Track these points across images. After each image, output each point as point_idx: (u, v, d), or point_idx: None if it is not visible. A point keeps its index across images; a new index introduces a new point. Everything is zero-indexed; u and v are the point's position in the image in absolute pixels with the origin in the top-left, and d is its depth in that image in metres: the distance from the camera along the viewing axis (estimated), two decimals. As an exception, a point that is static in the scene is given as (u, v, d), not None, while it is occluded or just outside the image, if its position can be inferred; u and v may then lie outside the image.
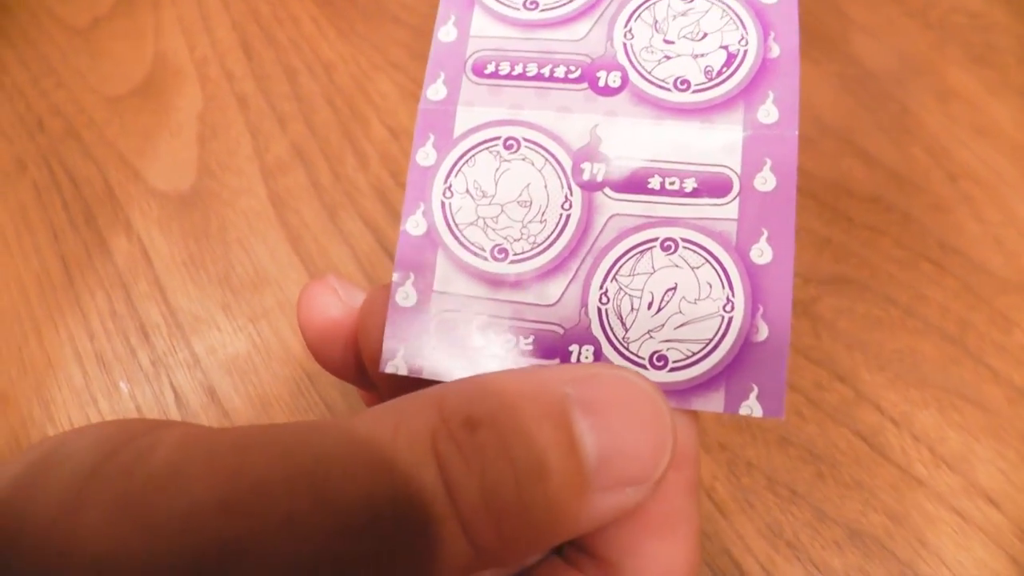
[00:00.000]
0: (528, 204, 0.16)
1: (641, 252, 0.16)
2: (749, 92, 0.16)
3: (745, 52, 0.16)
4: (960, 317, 0.29)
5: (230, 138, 0.34)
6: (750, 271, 0.15)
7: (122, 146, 0.34)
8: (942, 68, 0.36)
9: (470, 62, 0.17)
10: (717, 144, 0.16)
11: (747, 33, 0.16)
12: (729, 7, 0.17)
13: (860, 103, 0.34)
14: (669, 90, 0.16)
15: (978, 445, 0.26)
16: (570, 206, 0.16)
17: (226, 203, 0.32)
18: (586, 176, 0.16)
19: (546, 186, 0.16)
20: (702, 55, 0.16)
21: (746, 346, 0.15)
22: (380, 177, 0.33)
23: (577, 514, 0.12)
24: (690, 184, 0.16)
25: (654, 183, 0.16)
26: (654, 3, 0.17)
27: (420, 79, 0.36)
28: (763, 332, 0.15)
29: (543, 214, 0.16)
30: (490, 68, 0.17)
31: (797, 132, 0.16)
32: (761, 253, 0.16)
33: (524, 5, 0.17)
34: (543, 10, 0.17)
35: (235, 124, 0.35)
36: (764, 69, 0.16)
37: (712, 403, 0.15)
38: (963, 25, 0.37)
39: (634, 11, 0.17)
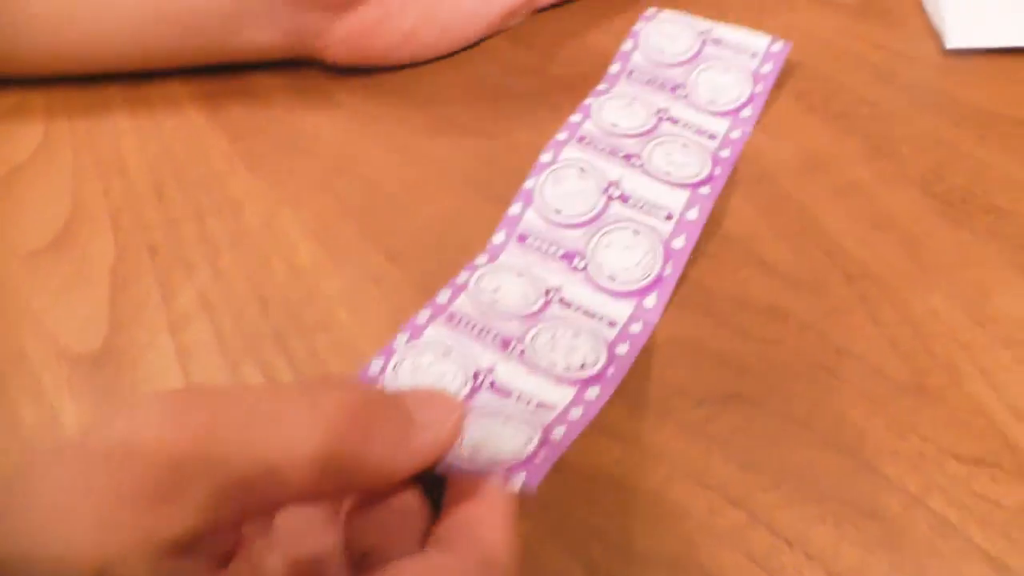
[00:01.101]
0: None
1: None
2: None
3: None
4: (857, 426, 0.33)
5: (140, 290, 0.40)
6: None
7: (36, 305, 0.40)
8: (841, 162, 0.40)
9: None
10: None
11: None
12: (598, 347, 0.35)
13: (759, 208, 0.39)
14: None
15: (873, 558, 0.30)
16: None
17: (134, 361, 0.37)
18: None
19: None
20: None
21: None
22: (280, 323, 0.38)
23: None
24: None
25: None
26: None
27: (326, 214, 0.42)
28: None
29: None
30: None
31: None
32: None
33: None
34: None
35: (145, 275, 0.40)
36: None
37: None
38: (863, 116, 0.42)
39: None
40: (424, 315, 0.35)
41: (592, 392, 0.33)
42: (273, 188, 0.43)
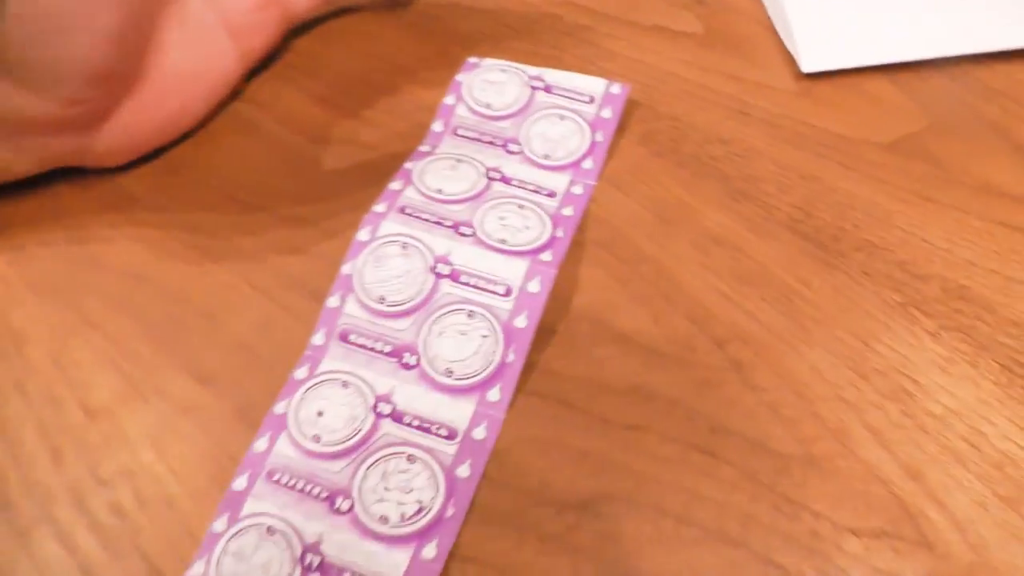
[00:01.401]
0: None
1: None
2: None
3: (431, 508, 0.35)
4: (741, 512, 0.34)
5: None
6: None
7: None
8: (699, 211, 0.43)
9: None
10: None
11: (437, 495, 0.36)
12: (435, 476, 0.36)
13: (611, 272, 0.41)
14: (375, 522, 0.35)
15: (773, 672, 0.31)
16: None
17: None
18: None
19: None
20: (404, 504, 0.35)
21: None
22: (76, 477, 0.36)
23: None
24: None
25: None
26: (386, 459, 0.36)
27: (124, 337, 0.41)
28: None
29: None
30: None
31: None
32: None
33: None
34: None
35: None
36: (439, 521, 0.35)
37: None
38: (718, 156, 0.45)
39: (374, 462, 0.36)
40: (241, 481, 0.35)
41: (428, 551, 0.34)
42: (60, 313, 0.42)
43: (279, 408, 0.37)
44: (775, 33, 0.52)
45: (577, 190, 0.43)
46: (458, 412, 0.36)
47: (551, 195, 0.43)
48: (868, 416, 0.36)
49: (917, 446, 0.36)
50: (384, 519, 0.34)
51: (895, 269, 0.41)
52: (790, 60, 0.50)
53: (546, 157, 0.44)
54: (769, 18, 0.53)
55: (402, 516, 0.34)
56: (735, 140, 0.46)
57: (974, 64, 0.50)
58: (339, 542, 0.34)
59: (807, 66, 0.48)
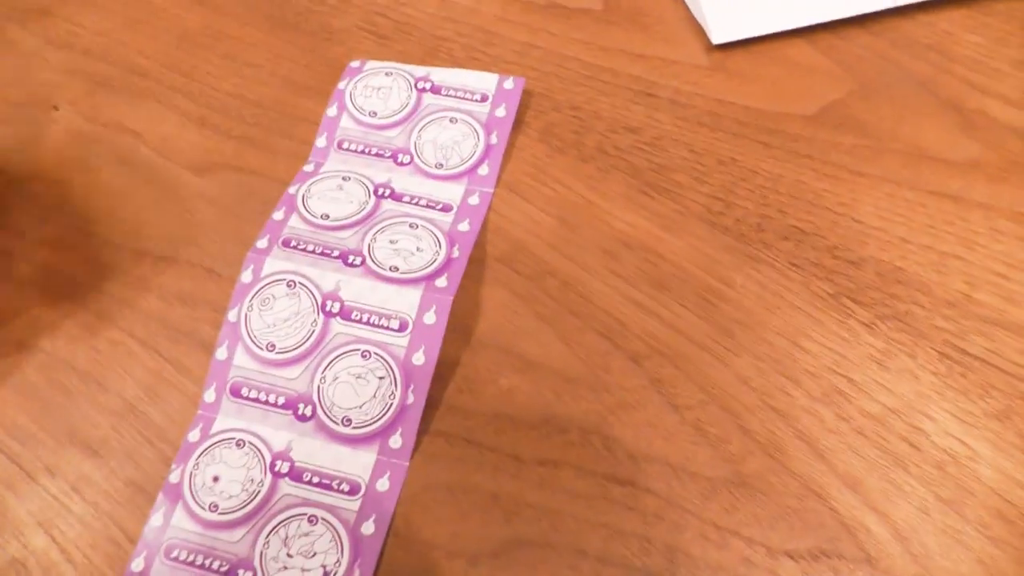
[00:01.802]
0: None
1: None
2: None
3: (336, 572, 0.35)
4: (666, 545, 0.34)
5: None
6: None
7: None
8: (607, 211, 0.42)
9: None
10: None
11: (342, 558, 0.35)
12: (338, 537, 0.36)
13: (514, 290, 0.40)
14: None
15: None
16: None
17: None
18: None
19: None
20: (308, 570, 0.35)
21: None
22: None
23: None
24: None
25: None
26: (287, 523, 0.36)
27: (2, 410, 0.40)
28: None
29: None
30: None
31: None
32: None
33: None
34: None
35: None
36: None
37: None
38: (625, 147, 0.44)
39: (274, 528, 0.36)
40: (138, 563, 0.36)
41: None
42: None
43: (173, 477, 0.36)
44: (681, 3, 0.50)
45: (474, 200, 0.42)
46: (359, 464, 0.35)
47: (446, 209, 0.42)
48: (801, 424, 0.36)
49: (855, 452, 0.35)
50: None
51: (825, 256, 0.40)
52: (700, 32, 0.49)
53: (439, 166, 0.43)
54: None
55: None
56: (643, 127, 0.45)
57: (897, 18, 0.49)
58: None
59: (718, 37, 0.47)
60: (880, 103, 0.45)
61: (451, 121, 0.44)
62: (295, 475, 0.36)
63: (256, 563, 0.34)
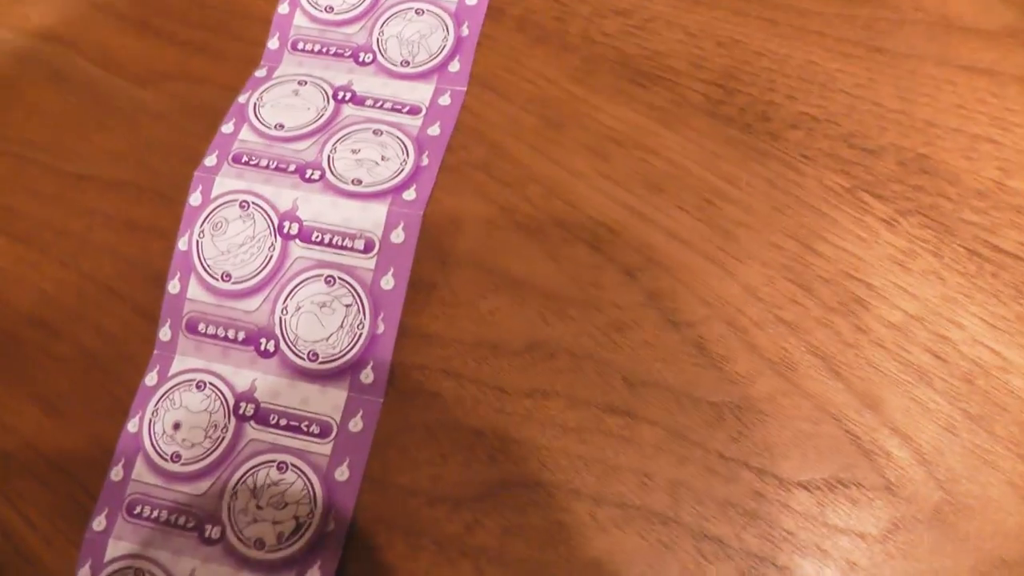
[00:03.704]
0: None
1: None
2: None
3: (310, 523, 0.32)
4: (668, 480, 0.31)
5: None
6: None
7: None
8: (590, 103, 0.38)
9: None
10: None
11: (315, 508, 0.32)
12: (310, 485, 0.33)
13: (492, 198, 0.37)
14: (250, 548, 0.33)
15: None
16: None
17: None
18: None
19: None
20: (280, 522, 0.32)
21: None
22: None
23: None
24: None
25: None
26: (254, 471, 0.34)
27: None
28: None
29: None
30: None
31: None
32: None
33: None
34: None
35: None
36: (321, 538, 0.32)
37: None
38: (611, 32, 0.40)
39: (241, 478, 0.33)
40: (99, 521, 0.34)
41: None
42: None
43: (131, 426, 0.34)
44: None
45: (444, 100, 0.38)
46: (329, 403, 0.33)
47: (414, 111, 0.38)
48: (814, 338, 0.33)
49: (874, 367, 0.32)
50: (260, 543, 0.32)
51: (841, 146, 0.36)
52: None
53: (404, 64, 0.39)
54: None
55: (279, 537, 0.31)
56: (633, 9, 0.40)
57: None
58: None
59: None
60: (900, -34, 0.40)
61: (417, 13, 0.40)
62: (261, 418, 0.33)
63: (224, 517, 0.32)
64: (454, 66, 0.39)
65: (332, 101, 0.38)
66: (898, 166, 0.36)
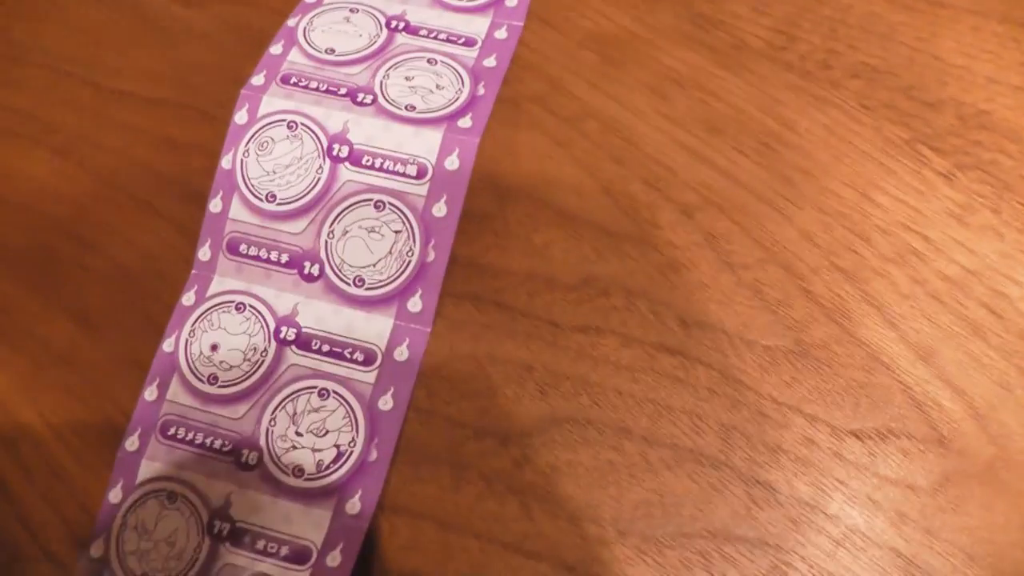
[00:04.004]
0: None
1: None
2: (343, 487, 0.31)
3: (351, 452, 0.32)
4: (720, 423, 0.31)
5: None
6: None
7: None
8: (655, 43, 0.37)
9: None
10: None
11: (357, 436, 0.32)
12: (352, 413, 0.32)
13: (549, 134, 0.36)
14: (288, 475, 0.32)
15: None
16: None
17: None
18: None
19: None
20: (320, 450, 0.31)
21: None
22: None
23: None
24: None
25: None
26: (295, 397, 0.33)
27: None
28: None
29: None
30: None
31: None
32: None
33: None
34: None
35: None
36: (362, 467, 0.32)
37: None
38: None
39: (280, 403, 0.33)
40: (132, 441, 0.33)
41: (352, 505, 0.31)
42: None
43: (167, 345, 0.33)
44: None
45: (501, 34, 0.37)
46: (374, 330, 0.32)
47: (469, 44, 0.37)
48: (870, 287, 0.32)
49: (929, 319, 0.32)
50: (299, 471, 0.31)
51: (900, 97, 0.35)
52: None
53: (461, -6, 0.38)
54: None
55: (319, 465, 0.30)
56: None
57: None
58: (250, 503, 0.31)
59: None
60: (967, -80, 0.39)
61: (476, -61, 0.39)
62: (302, 343, 0.32)
63: (262, 442, 0.31)
64: (511, 1, 0.38)
65: (385, 29, 0.37)
66: (957, 120, 0.35)
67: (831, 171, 0.35)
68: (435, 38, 0.37)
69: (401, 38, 0.37)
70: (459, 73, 0.36)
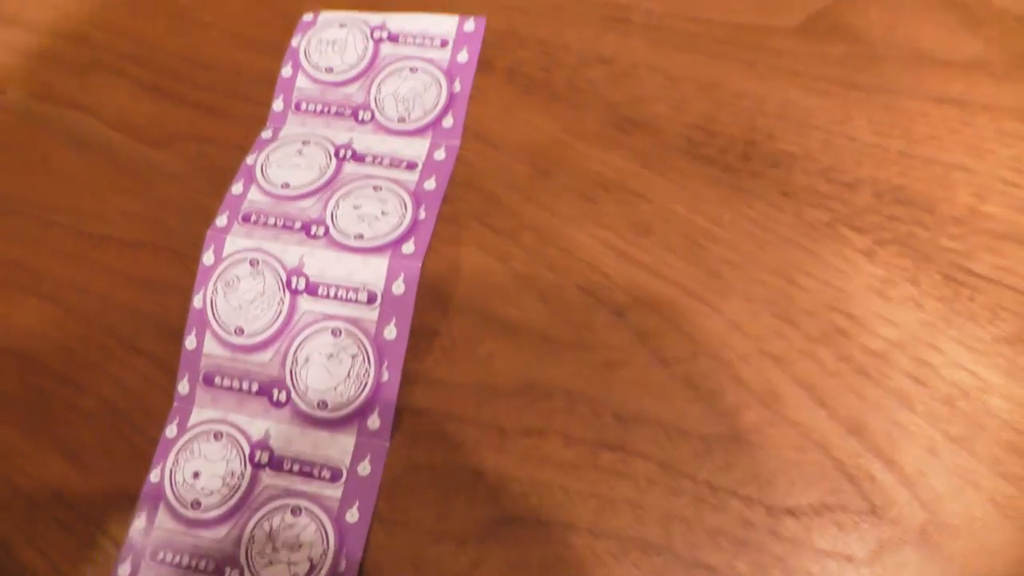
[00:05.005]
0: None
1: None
2: None
3: (323, 564, 0.34)
4: (660, 511, 0.33)
5: None
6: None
7: None
8: (582, 150, 0.40)
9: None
10: None
11: (327, 548, 0.35)
12: (322, 527, 0.35)
13: (487, 247, 0.38)
14: None
15: None
16: None
17: None
18: None
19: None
20: (294, 563, 0.34)
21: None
22: None
23: None
24: None
25: None
26: (270, 515, 0.35)
27: None
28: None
29: None
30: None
31: None
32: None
33: None
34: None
35: None
36: None
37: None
38: (598, 79, 0.42)
39: (257, 522, 0.35)
40: (124, 568, 0.35)
41: None
42: None
43: (153, 476, 0.36)
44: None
45: (439, 155, 0.40)
46: (339, 448, 0.35)
47: (411, 167, 0.40)
48: (798, 368, 0.34)
49: (857, 394, 0.34)
50: None
51: (819, 180, 0.38)
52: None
53: (401, 120, 0.41)
54: None
55: None
56: (616, 56, 0.42)
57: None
58: None
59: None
60: (870, 5, 0.42)
61: (411, 71, 0.42)
62: (275, 464, 0.35)
63: (242, 559, 0.34)
64: (448, 121, 0.41)
65: (334, 159, 0.40)
66: (874, 198, 0.37)
67: (756, 260, 0.37)
68: (379, 164, 0.40)
69: (349, 167, 0.40)
70: (402, 198, 0.39)
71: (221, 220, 0.39)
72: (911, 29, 0.41)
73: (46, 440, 0.38)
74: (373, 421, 0.35)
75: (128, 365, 0.39)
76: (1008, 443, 0.32)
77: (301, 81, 0.43)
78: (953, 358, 0.34)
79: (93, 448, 0.38)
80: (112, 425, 0.38)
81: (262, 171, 0.40)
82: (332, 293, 0.37)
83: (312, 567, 0.33)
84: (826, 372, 0.34)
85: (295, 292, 0.37)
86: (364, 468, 0.35)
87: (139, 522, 0.35)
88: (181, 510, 0.35)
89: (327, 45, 0.43)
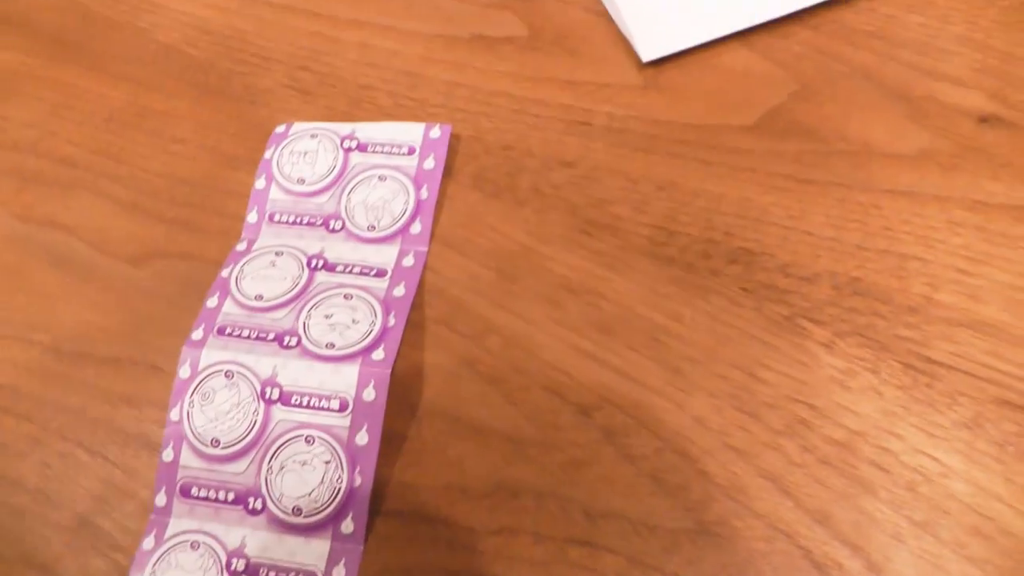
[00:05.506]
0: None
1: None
2: None
3: None
4: (631, 610, 0.34)
5: None
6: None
7: None
8: (536, 255, 0.42)
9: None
10: None
11: None
12: None
13: (454, 352, 0.40)
14: None
15: None
16: None
17: None
18: None
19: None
20: None
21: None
22: None
23: None
24: None
25: None
26: None
27: None
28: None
29: None
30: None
31: None
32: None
33: None
34: None
35: None
36: None
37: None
38: (561, 183, 0.44)
39: None
40: None
41: None
42: None
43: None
44: (608, 21, 0.50)
45: (408, 262, 0.42)
46: (314, 553, 0.36)
47: (380, 274, 0.42)
48: (763, 461, 0.36)
49: (821, 484, 0.35)
50: None
51: (777, 276, 0.40)
52: (630, 49, 0.49)
53: (371, 228, 0.43)
54: (600, 2, 0.51)
55: None
56: (578, 160, 0.45)
57: (837, 8, 0.48)
58: None
59: (647, 54, 0.46)
60: (823, 102, 0.45)
61: (380, 179, 0.44)
62: (251, 572, 0.36)
63: None
64: (416, 228, 0.44)
65: (306, 269, 0.43)
66: (833, 290, 0.40)
67: (718, 356, 0.39)
68: (350, 272, 0.42)
69: (321, 276, 0.42)
70: (372, 306, 0.41)
71: (197, 333, 0.41)
72: (862, 124, 0.44)
73: (17, 557, 0.39)
74: (347, 525, 0.36)
75: (104, 479, 0.40)
76: (971, 526, 0.34)
77: (274, 192, 0.46)
78: (914, 444, 0.36)
79: (68, 564, 0.39)
80: (87, 540, 0.39)
81: (236, 283, 0.42)
82: (305, 402, 0.39)
83: None
84: (790, 463, 0.36)
85: (269, 402, 0.39)
86: (339, 572, 0.36)
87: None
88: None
89: (299, 156, 0.46)
